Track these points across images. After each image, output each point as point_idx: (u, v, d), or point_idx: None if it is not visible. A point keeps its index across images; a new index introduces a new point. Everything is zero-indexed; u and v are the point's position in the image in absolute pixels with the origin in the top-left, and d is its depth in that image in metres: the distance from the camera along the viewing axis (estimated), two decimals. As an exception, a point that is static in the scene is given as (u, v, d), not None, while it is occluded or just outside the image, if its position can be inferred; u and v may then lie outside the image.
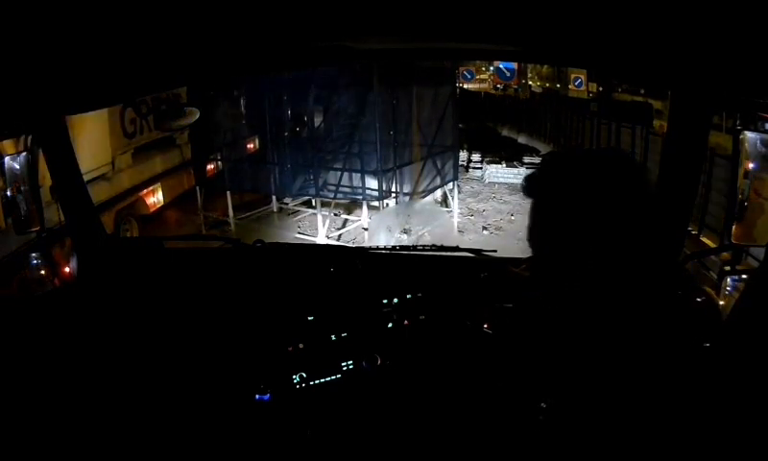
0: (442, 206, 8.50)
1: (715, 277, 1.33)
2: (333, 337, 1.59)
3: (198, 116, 1.79)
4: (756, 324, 0.94)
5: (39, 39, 0.91)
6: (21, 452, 1.29)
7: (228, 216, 7.96)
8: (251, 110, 8.15)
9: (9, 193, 1.43)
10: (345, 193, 7.39)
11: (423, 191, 7.68)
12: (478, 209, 8.55)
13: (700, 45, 0.97)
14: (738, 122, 1.14)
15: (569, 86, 13.91)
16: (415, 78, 7.16)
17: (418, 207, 7.73)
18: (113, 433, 1.41)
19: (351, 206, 8.15)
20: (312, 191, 7.43)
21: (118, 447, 1.40)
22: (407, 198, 7.34)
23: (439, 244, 1.78)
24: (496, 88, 18.34)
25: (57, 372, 1.42)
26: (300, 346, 1.58)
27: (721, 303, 1.28)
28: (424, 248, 1.76)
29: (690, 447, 0.89)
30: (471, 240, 7.27)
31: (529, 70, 16.55)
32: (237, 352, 1.55)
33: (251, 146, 8.58)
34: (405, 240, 6.82)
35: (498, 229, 7.66)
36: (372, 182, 7.04)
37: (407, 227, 7.23)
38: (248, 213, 8.19)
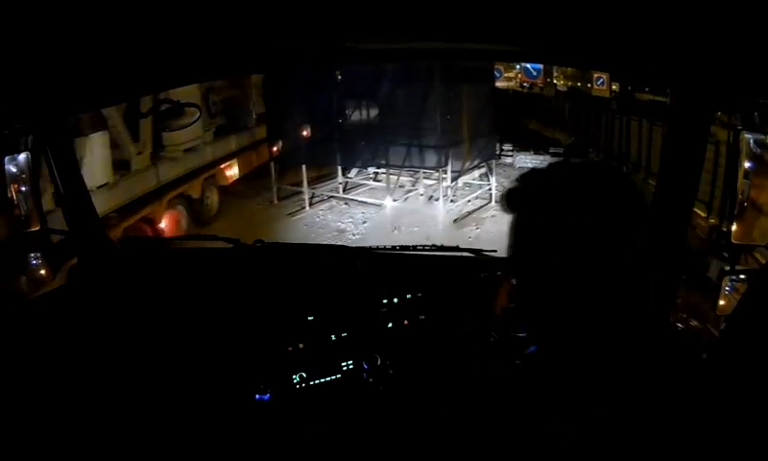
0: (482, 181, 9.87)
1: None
2: (333, 337, 1.59)
3: (198, 116, 1.79)
4: (758, 327, 0.94)
5: (42, 40, 0.92)
6: (22, 453, 1.29)
7: (299, 186, 9.16)
8: (324, 96, 9.08)
9: (10, 193, 1.43)
10: (408, 168, 8.97)
11: (470, 166, 9.15)
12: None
13: (701, 45, 0.97)
14: (734, 121, 1.14)
15: (592, 86, 14.37)
16: (464, 76, 8.68)
17: (462, 183, 9.30)
18: (114, 433, 1.41)
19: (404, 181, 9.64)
20: (382, 163, 9.01)
21: (119, 447, 1.40)
22: (457, 172, 8.79)
23: (439, 244, 1.77)
24: (523, 86, 18.91)
25: (57, 372, 1.42)
26: (300, 346, 1.58)
27: (721, 302, 1.27)
28: (424, 248, 1.76)
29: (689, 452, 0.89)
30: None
31: (554, 70, 17.10)
32: (237, 353, 1.55)
33: (305, 132, 9.44)
34: (453, 207, 8.47)
35: (527, 200, 8.98)
36: (431, 157, 8.50)
37: (454, 197, 8.94)
38: (317, 185, 9.55)
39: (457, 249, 1.73)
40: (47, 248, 1.53)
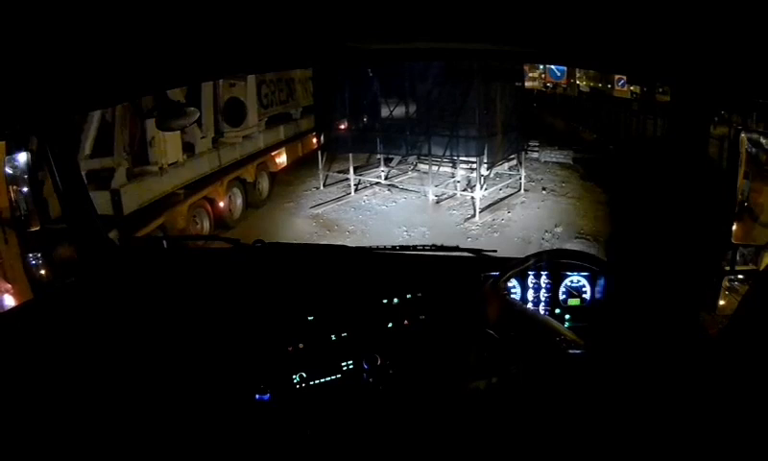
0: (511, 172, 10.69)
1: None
2: (333, 337, 1.59)
3: (198, 116, 1.79)
4: (760, 327, 0.94)
5: (44, 40, 0.92)
6: (23, 453, 1.29)
7: (345, 173, 10.14)
8: (370, 89, 9.98)
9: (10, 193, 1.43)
10: (448, 157, 9.89)
11: (502, 157, 10.09)
12: (537, 178, 10.61)
13: (701, 45, 0.97)
14: (735, 121, 1.14)
15: (613, 87, 14.87)
16: (498, 74, 9.62)
17: (493, 173, 10.25)
18: (114, 433, 1.41)
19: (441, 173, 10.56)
20: (424, 152, 9.96)
21: (119, 446, 1.40)
22: (491, 162, 9.69)
23: (440, 243, 1.77)
24: (546, 87, 19.30)
25: (57, 371, 1.42)
26: (300, 346, 1.57)
27: (721, 302, 1.27)
28: (424, 248, 1.76)
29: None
30: (535, 196, 9.51)
31: (577, 71, 17.62)
32: (237, 352, 1.55)
33: (352, 123, 10.36)
34: (487, 194, 9.16)
35: (553, 190, 9.78)
36: (470, 147, 9.37)
37: (485, 187, 9.49)
38: (361, 172, 10.52)
39: (457, 249, 1.73)
40: (47, 248, 1.54)
